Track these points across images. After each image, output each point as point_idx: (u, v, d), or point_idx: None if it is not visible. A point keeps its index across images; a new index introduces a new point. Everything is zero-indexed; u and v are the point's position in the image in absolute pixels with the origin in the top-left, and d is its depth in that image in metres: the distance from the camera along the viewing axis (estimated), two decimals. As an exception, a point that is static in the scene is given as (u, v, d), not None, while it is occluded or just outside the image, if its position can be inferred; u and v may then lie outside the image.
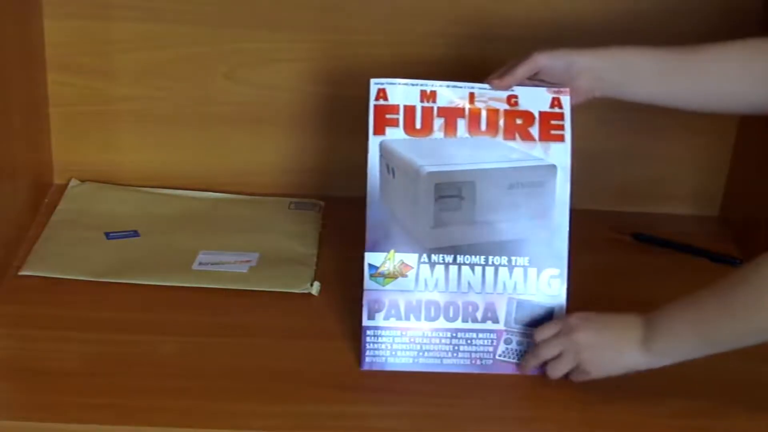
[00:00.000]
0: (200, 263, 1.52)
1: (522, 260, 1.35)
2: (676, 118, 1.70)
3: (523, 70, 1.34)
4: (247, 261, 1.53)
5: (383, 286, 1.34)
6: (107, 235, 1.58)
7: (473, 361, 1.34)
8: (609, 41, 1.34)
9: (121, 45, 1.62)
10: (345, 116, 1.68)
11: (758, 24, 1.62)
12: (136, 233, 1.59)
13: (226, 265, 1.52)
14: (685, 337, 1.21)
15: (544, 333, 1.31)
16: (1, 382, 1.29)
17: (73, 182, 1.70)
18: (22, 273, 1.47)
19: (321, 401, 1.29)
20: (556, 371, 1.29)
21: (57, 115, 1.66)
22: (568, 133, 1.36)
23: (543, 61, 1.33)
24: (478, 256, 1.34)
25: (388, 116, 1.34)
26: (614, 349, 1.25)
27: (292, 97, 1.67)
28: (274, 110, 1.68)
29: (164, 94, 1.66)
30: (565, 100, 1.36)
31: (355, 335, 1.38)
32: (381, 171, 1.34)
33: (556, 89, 1.36)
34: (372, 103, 1.35)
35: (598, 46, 1.34)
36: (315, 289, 1.49)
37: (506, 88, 1.35)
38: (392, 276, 1.34)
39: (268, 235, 1.60)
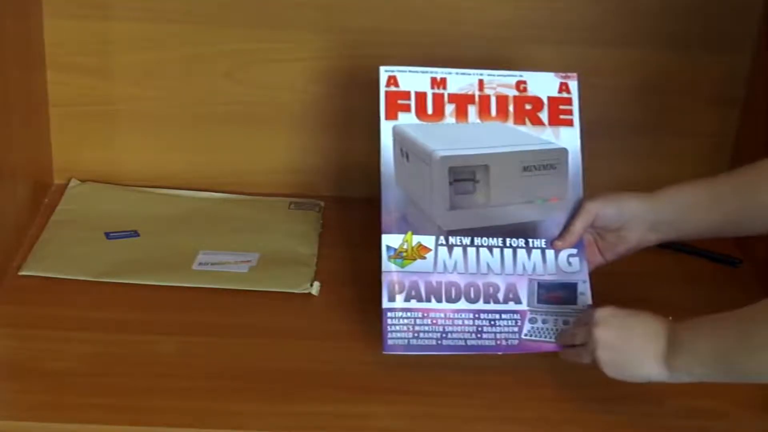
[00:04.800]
0: (200, 263, 1.52)
1: (539, 242, 1.35)
2: (675, 118, 1.70)
3: (580, 223, 1.35)
4: (247, 261, 1.53)
5: (402, 267, 1.32)
6: (107, 235, 1.58)
7: (498, 342, 1.31)
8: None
9: (121, 45, 1.62)
10: (345, 116, 1.67)
11: (758, 23, 1.62)
12: (136, 233, 1.59)
13: (226, 265, 1.52)
14: (705, 363, 1.16)
15: (577, 320, 1.29)
16: (1, 382, 1.30)
17: (73, 182, 1.70)
18: (22, 273, 1.47)
19: (321, 401, 1.28)
20: (574, 359, 1.27)
21: (57, 115, 1.66)
22: (576, 118, 1.38)
23: (595, 208, 1.34)
24: (495, 239, 1.34)
25: (399, 102, 1.34)
26: (633, 358, 1.21)
27: (293, 97, 1.67)
28: (274, 110, 1.68)
29: (164, 94, 1.66)
30: (573, 85, 1.38)
31: (355, 335, 1.38)
32: (395, 155, 1.33)
33: (564, 74, 1.38)
34: (383, 89, 1.35)
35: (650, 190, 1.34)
36: (315, 289, 1.49)
37: (570, 247, 1.35)
38: (411, 258, 1.32)
39: (268, 235, 1.60)
